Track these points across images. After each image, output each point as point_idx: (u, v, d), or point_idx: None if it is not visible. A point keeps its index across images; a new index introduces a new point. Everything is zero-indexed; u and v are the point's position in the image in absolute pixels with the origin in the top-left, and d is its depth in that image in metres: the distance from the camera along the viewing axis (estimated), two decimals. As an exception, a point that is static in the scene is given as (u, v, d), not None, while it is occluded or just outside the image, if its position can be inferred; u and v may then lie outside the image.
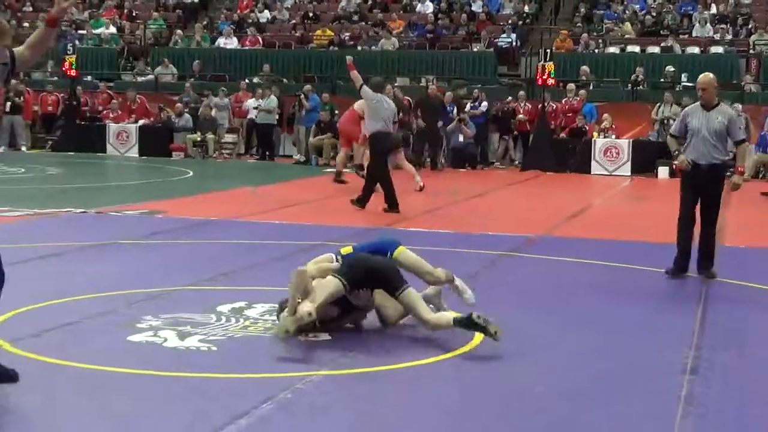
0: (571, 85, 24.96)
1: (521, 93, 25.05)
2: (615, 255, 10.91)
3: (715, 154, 9.66)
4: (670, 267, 9.75)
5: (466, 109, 24.36)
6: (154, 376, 5.82)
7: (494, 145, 25.42)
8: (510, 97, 25.50)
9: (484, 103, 24.69)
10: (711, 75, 9.98)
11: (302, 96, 25.20)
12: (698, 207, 9.92)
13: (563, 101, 24.72)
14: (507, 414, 5.34)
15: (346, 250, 7.28)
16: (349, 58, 16.67)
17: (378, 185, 14.96)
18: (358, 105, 18.07)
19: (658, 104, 24.18)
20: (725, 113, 9.79)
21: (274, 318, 7.35)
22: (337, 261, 7.13)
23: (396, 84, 26.55)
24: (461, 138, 23.82)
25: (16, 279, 8.78)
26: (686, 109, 10.12)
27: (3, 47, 6.25)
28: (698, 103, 9.89)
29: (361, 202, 14.81)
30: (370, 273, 6.88)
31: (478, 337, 6.89)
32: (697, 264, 9.78)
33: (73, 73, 26.63)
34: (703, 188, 9.74)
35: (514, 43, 29.53)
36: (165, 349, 6.44)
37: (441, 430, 5.08)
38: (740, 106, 23.23)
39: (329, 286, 6.77)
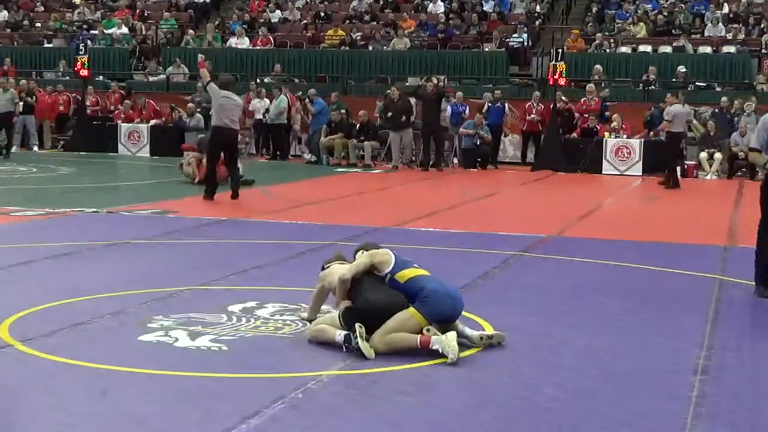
0: (591, 86, 24.88)
1: (536, 93, 24.98)
2: (626, 255, 10.89)
3: None
4: (758, 288, 8.95)
5: (483, 110, 24.34)
6: (165, 376, 5.83)
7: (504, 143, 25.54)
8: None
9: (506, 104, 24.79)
10: None
11: (307, 100, 25.17)
12: None
13: (582, 101, 24.63)
14: (516, 414, 5.33)
15: (412, 273, 6.74)
16: (200, 57, 17.45)
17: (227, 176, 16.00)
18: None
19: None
20: None
21: (285, 318, 7.37)
22: (385, 274, 6.75)
23: (407, 83, 26.60)
24: (477, 142, 23.77)
25: (28, 278, 8.85)
26: (765, 118, 9.15)
27: None
28: None
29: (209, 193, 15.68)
30: (376, 312, 6.59)
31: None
32: (758, 277, 9.09)
33: (84, 73, 26.72)
34: None
35: (525, 43, 29.52)
36: (176, 349, 6.45)
37: (451, 430, 5.07)
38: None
39: (331, 324, 6.65)
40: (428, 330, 6.43)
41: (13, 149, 25.93)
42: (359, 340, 6.28)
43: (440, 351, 6.26)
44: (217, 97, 15.82)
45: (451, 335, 6.36)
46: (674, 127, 20.35)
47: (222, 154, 15.98)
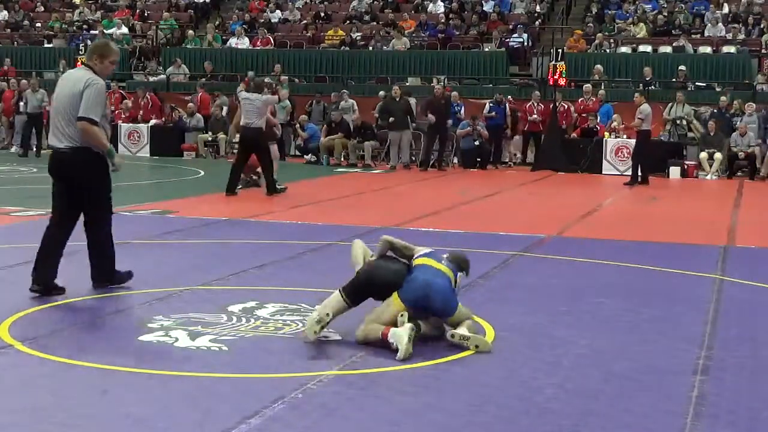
0: (588, 86, 24.93)
1: (536, 93, 24.99)
2: (626, 255, 10.90)
3: None
4: None
5: (484, 112, 24.38)
6: (165, 376, 5.83)
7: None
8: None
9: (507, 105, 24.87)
10: None
11: (298, 126, 25.14)
12: None
13: (579, 101, 24.67)
14: (516, 414, 5.33)
15: (422, 261, 6.87)
16: (249, 74, 18.75)
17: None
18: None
19: (669, 104, 24.15)
20: None
21: (285, 318, 7.37)
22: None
23: (407, 84, 26.61)
24: (477, 142, 23.80)
25: (28, 278, 8.83)
26: None
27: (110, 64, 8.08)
28: None
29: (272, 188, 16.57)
30: (373, 286, 6.82)
31: (489, 337, 6.89)
32: None
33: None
34: None
35: (525, 43, 29.53)
36: (176, 349, 6.45)
37: (451, 430, 5.07)
38: (754, 105, 23.35)
39: (333, 301, 6.79)
40: (401, 315, 6.52)
41: (13, 149, 25.98)
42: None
43: (393, 345, 6.33)
44: (239, 101, 16.90)
45: (404, 328, 6.37)
46: (645, 125, 20.65)
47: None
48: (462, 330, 6.62)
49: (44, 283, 7.98)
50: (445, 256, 7.02)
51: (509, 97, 25.00)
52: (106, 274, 8.33)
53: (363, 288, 6.79)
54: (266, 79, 27.92)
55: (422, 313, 6.72)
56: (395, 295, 6.67)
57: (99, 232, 8.21)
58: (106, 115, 8.49)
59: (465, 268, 7.11)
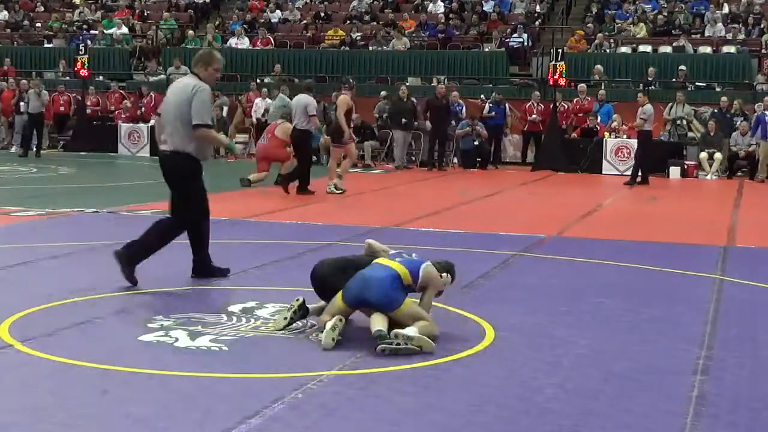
0: (582, 86, 24.99)
1: (536, 93, 25.01)
2: (626, 255, 10.89)
3: None
4: None
5: (484, 112, 24.44)
6: (165, 376, 5.83)
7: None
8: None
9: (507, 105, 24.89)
10: None
11: None
12: None
13: (574, 101, 24.74)
14: (516, 414, 5.33)
15: (378, 260, 7.02)
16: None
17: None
18: (282, 132, 18.14)
19: (670, 104, 24.16)
20: None
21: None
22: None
23: (407, 84, 26.62)
24: (476, 142, 23.85)
25: (28, 278, 8.85)
26: None
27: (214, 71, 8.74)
28: None
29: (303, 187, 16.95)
30: (315, 280, 7.22)
31: (489, 337, 6.90)
32: None
33: (84, 73, 26.73)
34: None
35: (525, 43, 29.53)
36: (176, 349, 6.45)
37: (451, 430, 5.07)
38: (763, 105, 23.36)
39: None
40: (340, 320, 6.58)
41: (13, 149, 25.99)
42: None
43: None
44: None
45: (328, 329, 6.49)
46: (648, 125, 20.75)
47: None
48: (407, 330, 6.45)
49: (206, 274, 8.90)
50: (414, 255, 7.06)
51: (483, 97, 25.03)
52: (130, 261, 8.49)
53: (313, 282, 7.20)
54: (266, 79, 28.08)
55: (364, 308, 6.76)
56: (339, 294, 6.79)
57: (168, 230, 8.82)
58: (213, 119, 9.04)
59: (449, 270, 7.17)
